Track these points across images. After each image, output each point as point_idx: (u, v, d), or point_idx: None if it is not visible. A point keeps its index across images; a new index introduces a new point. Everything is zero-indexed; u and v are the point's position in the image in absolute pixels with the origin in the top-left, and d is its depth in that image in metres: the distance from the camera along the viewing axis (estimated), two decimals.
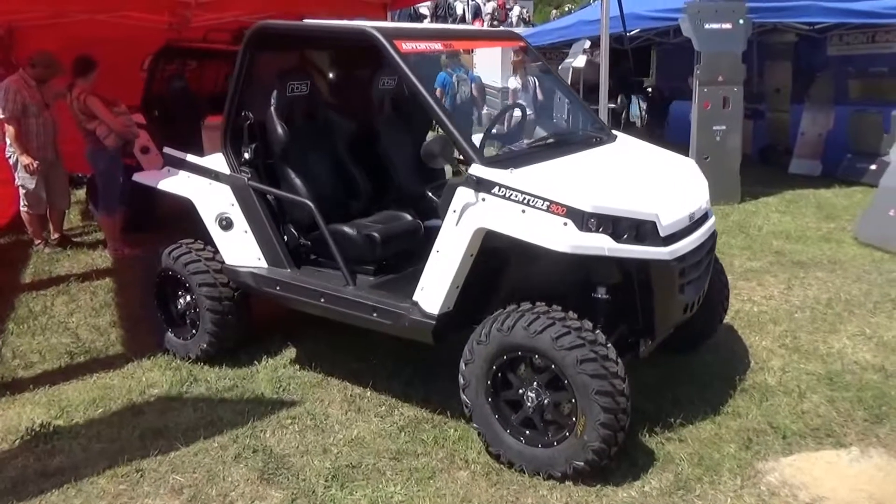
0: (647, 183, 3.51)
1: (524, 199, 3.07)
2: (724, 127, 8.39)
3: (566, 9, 24.31)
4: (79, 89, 6.44)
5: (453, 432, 3.57)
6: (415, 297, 3.45)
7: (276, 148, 3.98)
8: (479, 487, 3.14)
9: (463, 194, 3.19)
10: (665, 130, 12.80)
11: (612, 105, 11.37)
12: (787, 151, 10.62)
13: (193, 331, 4.37)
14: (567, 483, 3.10)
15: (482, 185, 3.15)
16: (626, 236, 3.06)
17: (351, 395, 3.96)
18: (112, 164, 6.74)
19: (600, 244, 2.99)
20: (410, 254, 3.98)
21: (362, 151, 4.45)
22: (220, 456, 3.43)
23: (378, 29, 3.44)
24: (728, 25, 8.26)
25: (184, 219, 7.89)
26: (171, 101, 7.83)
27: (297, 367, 4.30)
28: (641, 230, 3.09)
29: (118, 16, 7.20)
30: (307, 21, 4.06)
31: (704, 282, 3.64)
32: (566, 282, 3.40)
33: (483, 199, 3.15)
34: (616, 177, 3.48)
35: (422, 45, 3.56)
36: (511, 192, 3.09)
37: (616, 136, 4.15)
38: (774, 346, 4.39)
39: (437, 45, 3.64)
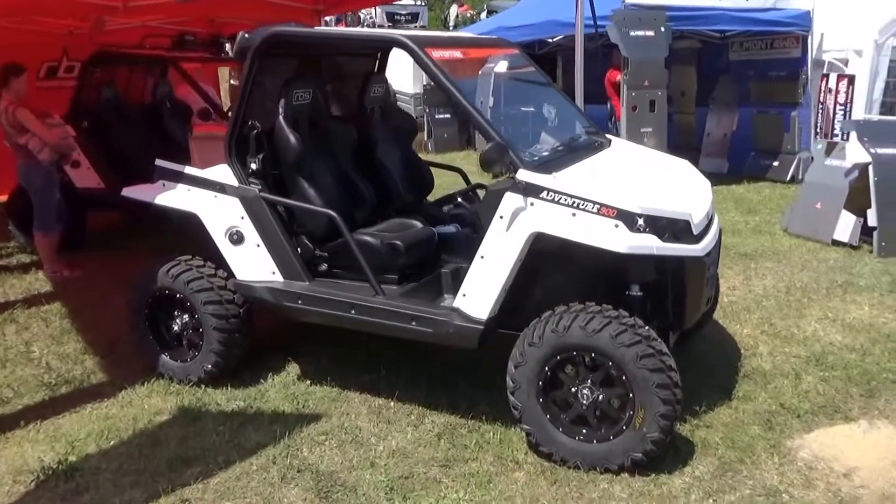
0: (670, 183, 3.72)
1: (574, 202, 3.18)
2: (650, 129, 8.87)
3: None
4: (5, 101, 5.97)
5: (492, 436, 3.62)
6: (455, 304, 3.48)
7: (288, 158, 3.89)
8: (540, 487, 3.21)
9: (511, 199, 3.26)
10: None
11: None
12: (696, 151, 11.33)
13: (194, 352, 4.18)
14: (623, 475, 3.23)
15: (530, 190, 3.23)
16: (667, 235, 3.23)
17: (375, 407, 3.93)
18: (48, 180, 6.30)
19: (650, 244, 3.15)
20: (423, 261, 4.00)
21: (362, 160, 4.42)
22: (265, 478, 3.32)
23: (409, 37, 3.45)
24: (651, 33, 8.74)
25: (127, 235, 7.65)
26: (102, 111, 7.40)
27: (309, 382, 4.20)
28: (679, 229, 3.28)
29: (18, 21, 6.71)
30: (323, 29, 3.99)
31: (716, 276, 3.89)
32: (598, 282, 3.55)
33: (532, 204, 3.23)
34: (643, 178, 3.67)
35: (446, 53, 3.59)
36: (560, 195, 3.20)
37: (611, 139, 4.35)
38: (756, 333, 4.73)
39: (457, 53, 3.68)
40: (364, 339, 4.64)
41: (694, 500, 3.09)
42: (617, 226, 3.14)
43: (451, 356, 4.38)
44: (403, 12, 22.38)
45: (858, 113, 9.38)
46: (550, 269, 3.54)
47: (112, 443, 3.67)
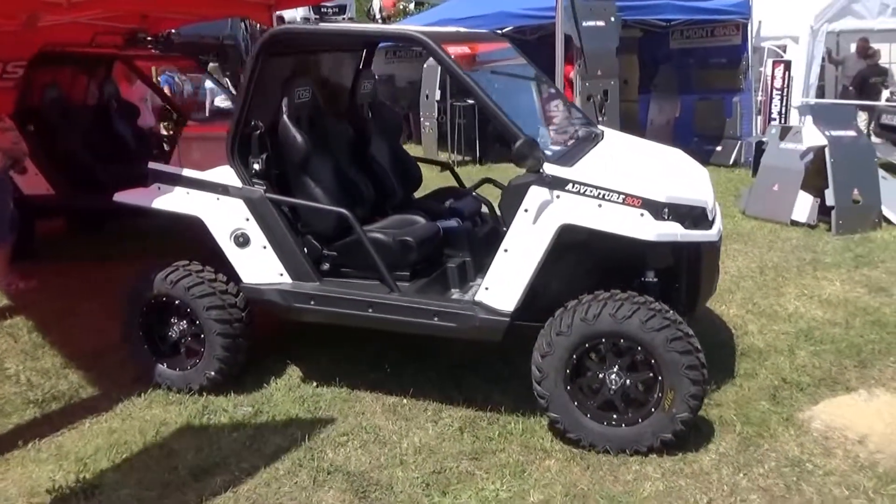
0: (677, 171, 3.82)
1: (599, 193, 3.23)
2: (605, 118, 9.05)
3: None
4: None
5: (514, 426, 3.64)
6: (478, 298, 3.48)
7: (294, 157, 3.80)
8: (574, 473, 3.26)
9: (537, 193, 3.28)
10: None
11: None
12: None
13: (195, 359, 4.04)
14: (652, 455, 3.31)
15: (556, 183, 3.26)
16: (687, 222, 3.32)
17: (390, 405, 3.89)
18: (0, 188, 5.94)
19: (674, 231, 3.23)
20: (430, 257, 3.99)
21: (357, 157, 4.36)
22: (297, 482, 3.26)
23: (426, 34, 3.41)
24: (602, 23, 8.92)
25: (73, 243, 7.30)
26: (48, 113, 7.02)
27: (315, 383, 4.12)
28: (696, 215, 3.38)
29: None
30: (332, 25, 3.90)
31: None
32: (612, 270, 3.61)
33: (558, 197, 3.26)
34: (651, 167, 3.75)
35: (459, 49, 3.58)
36: (586, 187, 3.24)
37: (603, 130, 4.43)
38: (742, 313, 4.92)
39: (465, 49, 3.67)
40: (360, 339, 4.60)
41: (725, 475, 3.19)
42: (642, 214, 3.21)
43: (453, 351, 4.39)
44: (331, 4, 22.05)
45: (797, 97, 9.84)
46: (568, 259, 3.58)
47: (124, 457, 3.51)
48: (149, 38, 7.11)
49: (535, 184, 3.28)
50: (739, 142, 10.25)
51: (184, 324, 4.04)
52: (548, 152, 3.48)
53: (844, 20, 10.27)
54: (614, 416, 3.33)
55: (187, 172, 3.89)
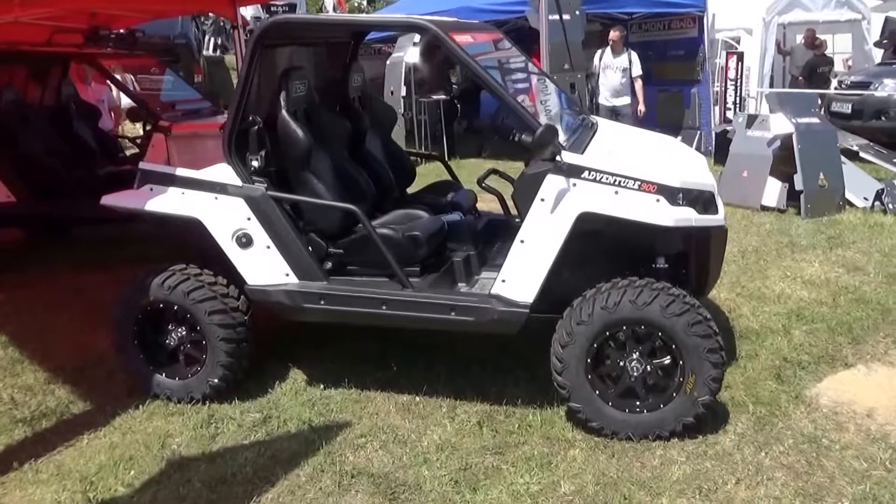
0: (681, 157, 3.86)
1: (615, 180, 3.24)
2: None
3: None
4: None
5: (532, 418, 3.63)
6: (494, 290, 3.45)
7: (295, 153, 3.70)
8: (600, 461, 3.26)
9: (553, 181, 3.27)
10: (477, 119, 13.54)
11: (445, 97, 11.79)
12: None
13: (195, 367, 3.90)
14: (674, 440, 3.34)
15: (572, 171, 3.25)
16: (699, 207, 3.35)
17: (402, 404, 3.83)
18: None
19: (689, 216, 3.27)
20: (436, 251, 3.94)
21: (354, 152, 4.29)
22: (322, 488, 3.17)
23: (433, 22, 3.36)
24: (567, 17, 9.00)
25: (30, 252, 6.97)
26: (5, 115, 6.69)
27: (321, 386, 4.03)
28: (706, 200, 3.41)
29: None
30: (333, 15, 3.80)
31: None
32: (622, 257, 3.63)
33: (574, 185, 3.26)
34: (658, 154, 3.78)
35: (462, 38, 3.54)
36: (601, 174, 3.24)
37: (595, 118, 4.45)
38: (733, 296, 5.01)
39: (469, 38, 3.63)
40: (359, 338, 4.54)
41: (748, 454, 3.24)
42: (658, 200, 3.23)
43: (456, 346, 4.35)
44: (280, 2, 21.72)
45: (753, 87, 10.11)
46: (579, 248, 3.57)
47: (132, 473, 3.36)
48: (112, 35, 6.82)
49: (552, 172, 3.27)
50: (699, 132, 10.48)
51: (182, 330, 3.89)
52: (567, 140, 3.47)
53: (793, 12, 10.61)
54: (636, 402, 3.34)
55: (182, 172, 3.75)
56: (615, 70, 9.55)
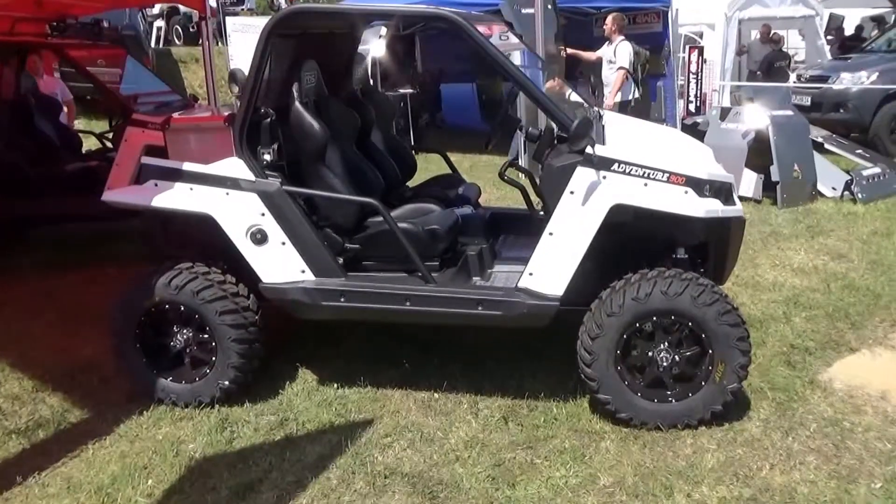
0: (693, 149, 3.89)
1: (645, 172, 3.23)
2: None
3: None
4: None
5: (557, 411, 3.61)
6: (521, 284, 3.41)
7: (310, 146, 3.58)
8: (633, 452, 3.26)
9: (583, 174, 3.24)
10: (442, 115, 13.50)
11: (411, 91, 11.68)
12: None
13: (203, 370, 3.75)
14: (702, 428, 3.37)
15: (602, 163, 3.23)
16: (722, 198, 3.38)
17: (422, 402, 3.76)
18: None
19: (717, 207, 3.29)
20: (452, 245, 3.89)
21: (362, 144, 4.19)
22: (356, 490, 3.08)
23: (457, 14, 3.29)
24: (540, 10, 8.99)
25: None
26: None
27: (336, 385, 3.93)
28: (728, 191, 3.45)
29: None
30: (345, 6, 3.68)
31: None
32: (644, 248, 3.64)
33: (605, 177, 3.24)
34: (673, 146, 3.79)
35: (483, 29, 3.48)
36: (631, 167, 3.23)
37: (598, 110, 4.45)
38: (729, 285, 5.06)
39: (485, 30, 3.57)
40: (366, 335, 4.46)
41: (776, 440, 3.29)
42: (686, 192, 3.24)
43: (467, 341, 4.31)
44: None
45: (716, 81, 10.33)
46: (604, 241, 3.56)
47: (149, 482, 3.21)
48: (78, 25, 6.51)
49: (582, 164, 3.24)
50: (664, 124, 10.64)
51: (189, 332, 3.74)
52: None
53: (752, 8, 10.86)
54: (665, 392, 3.35)
55: (189, 167, 3.58)
56: (606, 61, 9.33)
